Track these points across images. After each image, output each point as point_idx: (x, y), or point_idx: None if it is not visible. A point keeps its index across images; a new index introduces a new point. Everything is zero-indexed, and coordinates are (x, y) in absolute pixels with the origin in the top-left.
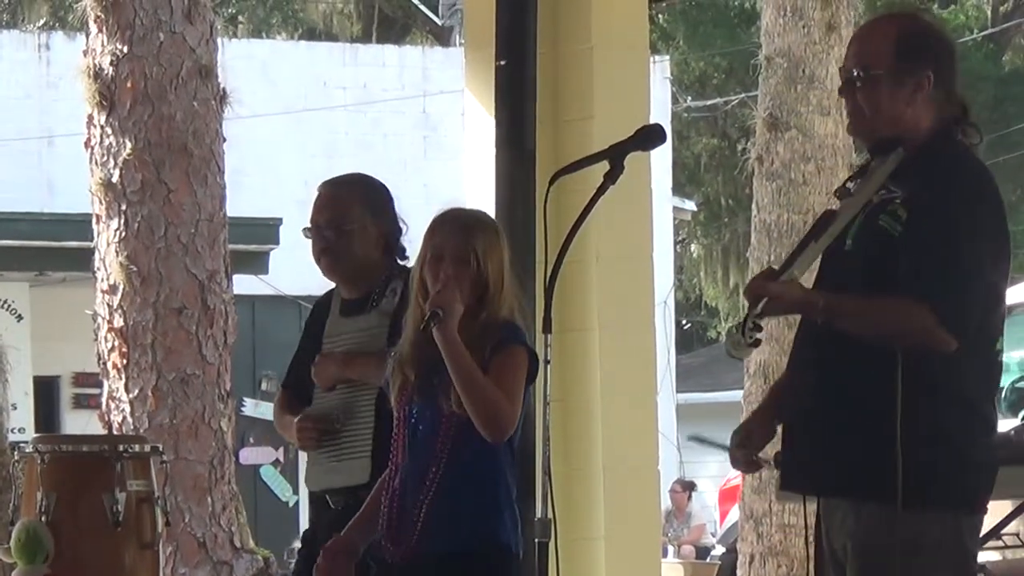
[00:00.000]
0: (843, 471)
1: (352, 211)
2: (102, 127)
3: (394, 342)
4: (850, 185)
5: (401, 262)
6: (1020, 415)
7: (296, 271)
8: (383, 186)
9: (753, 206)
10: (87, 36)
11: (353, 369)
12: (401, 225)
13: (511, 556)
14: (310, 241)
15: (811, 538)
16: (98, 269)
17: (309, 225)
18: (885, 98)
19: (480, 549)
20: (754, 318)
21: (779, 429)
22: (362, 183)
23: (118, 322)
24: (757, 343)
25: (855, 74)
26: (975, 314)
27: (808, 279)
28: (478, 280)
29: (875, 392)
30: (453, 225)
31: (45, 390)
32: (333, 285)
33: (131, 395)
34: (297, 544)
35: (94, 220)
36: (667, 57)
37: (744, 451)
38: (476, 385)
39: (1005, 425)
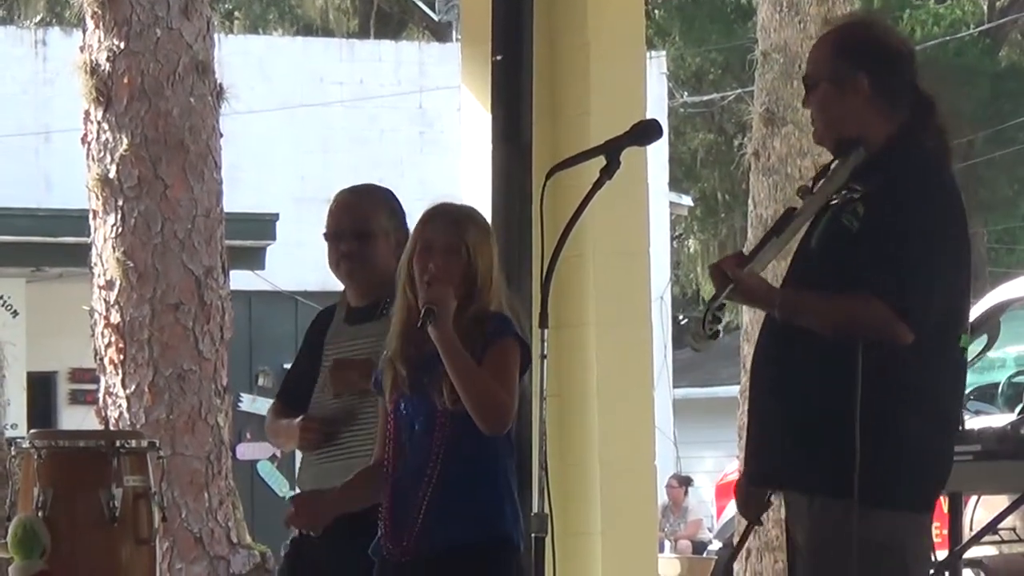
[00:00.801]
0: (799, 466)
1: (376, 218)
2: (99, 123)
3: None
4: (812, 185)
5: None
6: (1017, 410)
7: (293, 267)
8: (396, 196)
9: (749, 201)
10: (84, 32)
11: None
12: None
13: (512, 548)
14: (327, 248)
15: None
16: (95, 265)
17: (326, 231)
18: (827, 103)
19: (481, 541)
20: (714, 310)
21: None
22: (382, 192)
23: (115, 318)
24: (717, 335)
25: (805, 83)
26: (932, 306)
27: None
28: (468, 273)
29: (833, 389)
30: (444, 218)
31: (42, 386)
32: (332, 285)
33: (128, 391)
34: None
35: (91, 216)
36: (663, 52)
37: (749, 509)
38: (473, 379)
39: (1002, 420)
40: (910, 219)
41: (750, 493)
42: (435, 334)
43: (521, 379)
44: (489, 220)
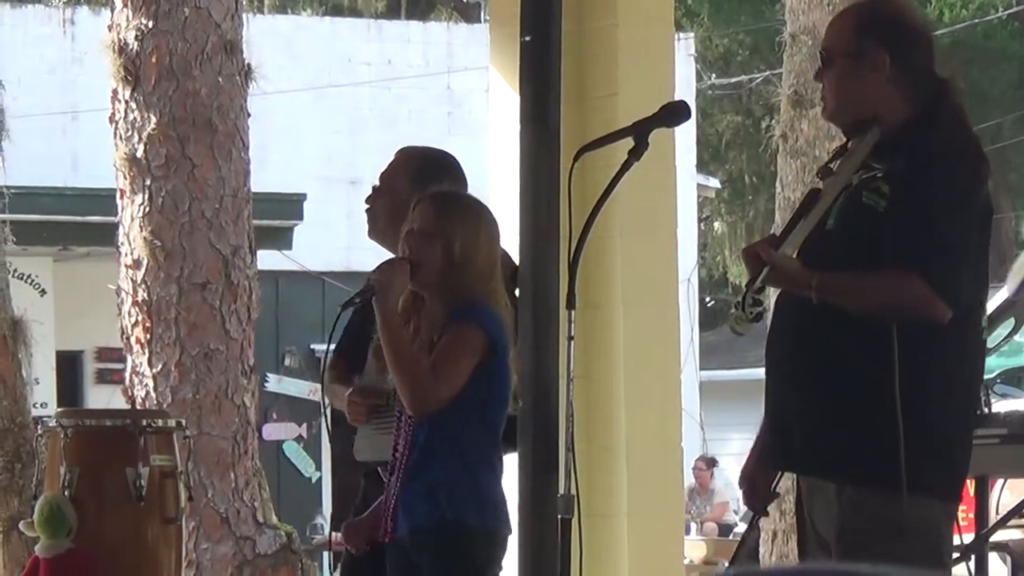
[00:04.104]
0: (829, 454)
1: (397, 179)
2: (127, 102)
3: None
4: (832, 165)
5: None
6: None
7: (320, 247)
8: (437, 164)
9: (777, 183)
10: (112, 11)
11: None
12: None
13: (462, 530)
14: None
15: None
16: (122, 244)
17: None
18: (844, 78)
19: (427, 526)
20: (753, 293)
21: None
22: (422, 157)
23: (142, 297)
24: (759, 317)
25: (821, 57)
26: (967, 282)
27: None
28: (445, 258)
29: (866, 376)
30: (428, 203)
31: (68, 365)
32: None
33: (154, 370)
34: (319, 520)
35: (118, 195)
36: (692, 34)
37: (754, 498)
38: (399, 359)
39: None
40: (939, 194)
41: (757, 482)
42: (376, 312)
43: (494, 368)
44: (516, 201)
